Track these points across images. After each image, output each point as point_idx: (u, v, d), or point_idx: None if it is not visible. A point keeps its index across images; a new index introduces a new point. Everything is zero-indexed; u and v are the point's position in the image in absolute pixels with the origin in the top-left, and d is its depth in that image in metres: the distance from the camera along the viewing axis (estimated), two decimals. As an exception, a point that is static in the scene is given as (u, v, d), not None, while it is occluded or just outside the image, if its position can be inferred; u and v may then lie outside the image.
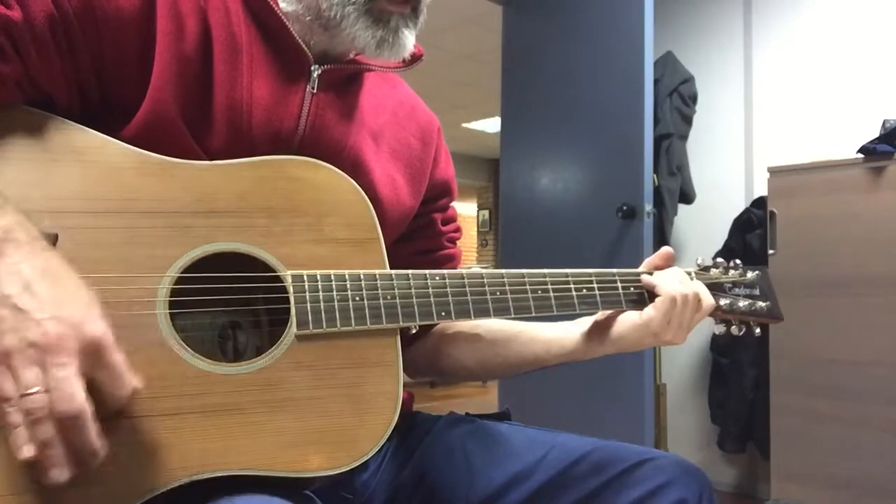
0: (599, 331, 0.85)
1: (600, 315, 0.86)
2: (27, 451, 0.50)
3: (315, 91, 0.76)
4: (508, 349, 0.90)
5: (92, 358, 0.53)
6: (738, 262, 0.93)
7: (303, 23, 0.75)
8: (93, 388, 0.53)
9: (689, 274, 0.88)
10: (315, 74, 0.76)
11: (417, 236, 0.92)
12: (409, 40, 0.76)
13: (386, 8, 0.74)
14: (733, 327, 0.90)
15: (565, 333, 0.88)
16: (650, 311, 0.81)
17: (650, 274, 0.85)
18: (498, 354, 0.91)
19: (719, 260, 0.93)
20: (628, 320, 0.83)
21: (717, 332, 0.91)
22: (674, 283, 0.82)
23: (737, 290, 0.91)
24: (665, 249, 0.88)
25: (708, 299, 0.83)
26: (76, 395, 0.51)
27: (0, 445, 0.54)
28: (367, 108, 0.84)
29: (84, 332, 0.52)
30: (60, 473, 0.51)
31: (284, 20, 0.73)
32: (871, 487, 2.11)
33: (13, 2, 0.60)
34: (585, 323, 0.87)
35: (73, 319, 0.52)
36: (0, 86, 0.60)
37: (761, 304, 0.91)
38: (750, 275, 0.92)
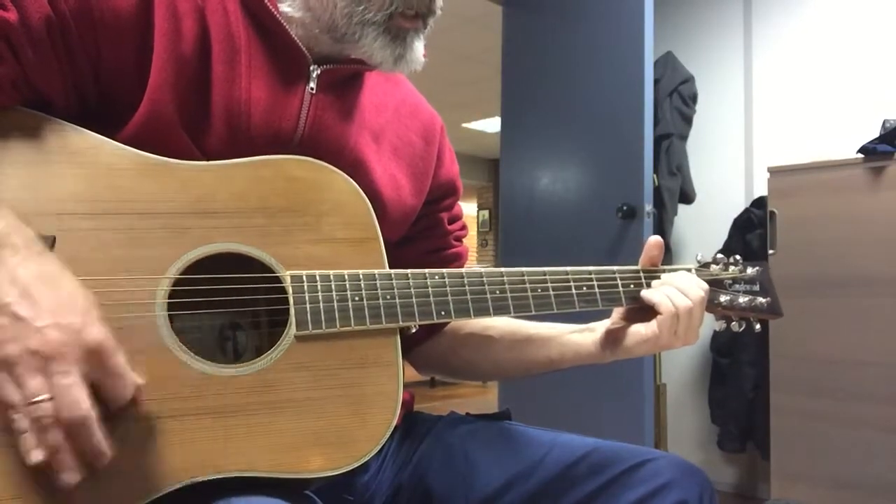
0: (610, 342, 0.85)
1: (610, 325, 0.86)
2: (36, 456, 0.51)
3: (315, 91, 0.75)
4: (522, 353, 0.90)
5: (94, 362, 0.53)
6: (737, 257, 0.93)
7: (308, 29, 0.75)
8: (97, 390, 0.54)
9: (689, 270, 0.87)
10: (314, 74, 0.76)
11: (425, 236, 0.92)
12: (420, 51, 0.77)
13: (402, 25, 0.74)
14: (733, 323, 0.90)
15: (579, 340, 0.87)
16: (654, 328, 0.80)
17: (650, 279, 0.84)
18: (512, 358, 0.91)
19: (719, 256, 0.92)
20: (636, 335, 0.82)
21: (717, 329, 0.91)
22: (674, 298, 0.81)
23: (737, 286, 0.90)
24: (653, 239, 0.86)
25: (707, 292, 0.83)
26: (80, 401, 0.51)
27: (3, 450, 0.54)
28: (369, 107, 0.84)
29: (84, 338, 0.53)
30: (71, 476, 0.52)
31: (281, 20, 0.73)
32: (871, 487, 2.11)
33: (9, 3, 0.60)
34: (598, 330, 0.87)
35: (72, 326, 0.52)
36: None
37: (761, 299, 0.91)
38: (750, 270, 0.92)
